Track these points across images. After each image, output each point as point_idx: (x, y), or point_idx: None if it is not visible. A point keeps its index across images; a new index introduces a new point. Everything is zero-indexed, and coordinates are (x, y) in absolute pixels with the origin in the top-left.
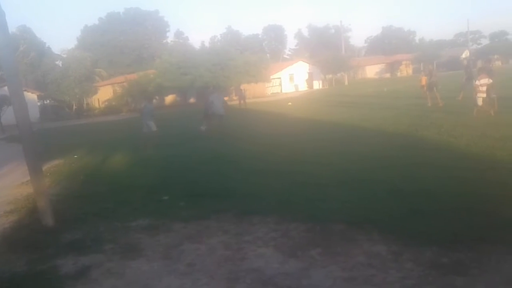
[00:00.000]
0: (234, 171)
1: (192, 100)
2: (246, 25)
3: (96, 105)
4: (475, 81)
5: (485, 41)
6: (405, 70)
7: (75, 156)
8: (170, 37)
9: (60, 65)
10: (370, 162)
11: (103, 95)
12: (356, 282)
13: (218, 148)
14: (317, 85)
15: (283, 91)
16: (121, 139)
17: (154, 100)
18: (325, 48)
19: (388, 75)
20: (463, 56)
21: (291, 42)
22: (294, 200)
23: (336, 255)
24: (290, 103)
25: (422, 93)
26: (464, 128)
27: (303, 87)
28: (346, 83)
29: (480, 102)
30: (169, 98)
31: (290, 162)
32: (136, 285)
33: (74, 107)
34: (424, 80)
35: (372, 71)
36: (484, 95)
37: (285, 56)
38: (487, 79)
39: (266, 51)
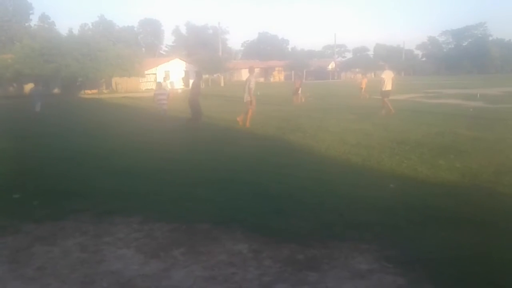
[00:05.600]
0: (97, 168)
1: (56, 90)
2: (120, 15)
3: None
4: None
5: (349, 55)
6: (278, 76)
7: None
8: (34, 21)
9: None
10: (239, 163)
11: None
12: (216, 280)
13: (81, 143)
14: None
15: None
16: None
17: (11, 88)
18: (203, 48)
19: (262, 79)
20: (330, 67)
21: (168, 38)
22: (160, 199)
23: (199, 255)
24: None
25: (360, 95)
26: (326, 133)
27: (179, 85)
28: (222, 84)
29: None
30: (29, 87)
31: (158, 160)
32: None
33: None
34: (364, 83)
35: (247, 74)
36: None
37: (161, 52)
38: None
39: (141, 45)
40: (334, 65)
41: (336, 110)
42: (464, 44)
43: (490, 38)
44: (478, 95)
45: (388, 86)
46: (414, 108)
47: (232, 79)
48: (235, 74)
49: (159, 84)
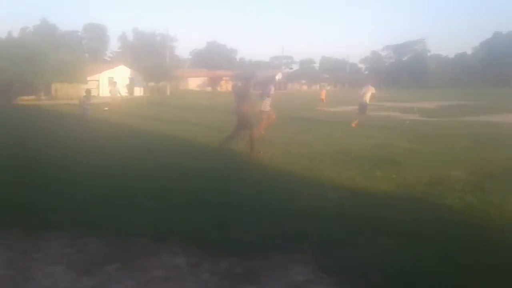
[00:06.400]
0: (32, 180)
1: None
2: (65, 20)
3: None
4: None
5: (296, 66)
6: (225, 86)
7: None
8: None
9: None
10: (181, 174)
11: None
12: None
13: (17, 153)
14: (138, 91)
15: (100, 95)
16: None
17: None
18: (150, 55)
19: (209, 89)
20: (277, 77)
21: (114, 45)
22: (96, 212)
23: (134, 270)
24: (106, 108)
25: (320, 105)
26: (269, 144)
27: (123, 92)
28: (169, 93)
29: None
30: None
31: (98, 171)
32: None
33: None
34: (323, 94)
35: (194, 83)
36: None
37: (106, 58)
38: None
39: (85, 50)
40: (281, 76)
41: (281, 121)
42: (404, 59)
43: (429, 54)
44: (415, 109)
45: (365, 99)
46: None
47: (179, 87)
48: (182, 83)
49: (88, 91)
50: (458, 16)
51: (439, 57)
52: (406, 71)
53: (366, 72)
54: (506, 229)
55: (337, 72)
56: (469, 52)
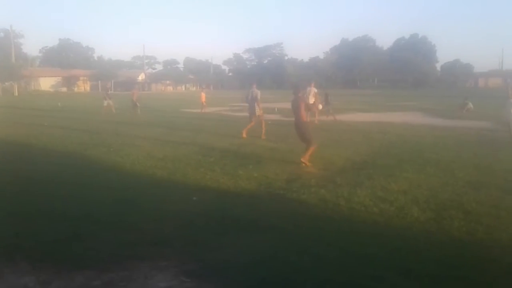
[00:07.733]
0: None
1: None
2: None
3: None
4: None
5: (159, 67)
6: (83, 86)
7: None
8: None
9: None
10: (32, 183)
11: None
12: None
13: None
14: None
15: None
16: None
17: None
18: None
19: (65, 89)
20: (140, 78)
21: None
22: None
23: None
24: None
25: (202, 108)
26: (132, 147)
27: None
28: (16, 93)
29: None
30: None
31: None
32: None
33: None
34: (204, 96)
35: (47, 83)
36: None
37: None
38: None
39: None
40: (144, 77)
41: (145, 124)
42: (265, 62)
43: (286, 57)
44: (276, 109)
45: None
46: (220, 121)
47: (29, 88)
48: (32, 83)
49: None
50: (311, 22)
51: (295, 61)
52: (267, 73)
53: (230, 74)
54: (354, 219)
55: (201, 73)
56: (321, 56)
